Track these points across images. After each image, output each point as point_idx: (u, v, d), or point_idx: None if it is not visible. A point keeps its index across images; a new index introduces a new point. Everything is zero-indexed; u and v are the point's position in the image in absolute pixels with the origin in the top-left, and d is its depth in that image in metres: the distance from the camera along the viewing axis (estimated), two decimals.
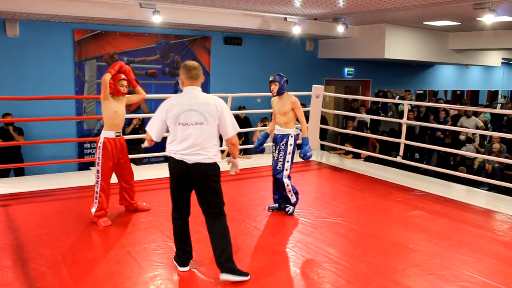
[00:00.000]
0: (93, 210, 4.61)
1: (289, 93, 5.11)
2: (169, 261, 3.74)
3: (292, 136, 4.96)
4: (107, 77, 4.51)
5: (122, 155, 4.73)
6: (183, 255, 3.62)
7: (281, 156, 4.93)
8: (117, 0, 7.39)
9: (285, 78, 5.04)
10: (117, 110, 4.61)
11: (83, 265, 3.65)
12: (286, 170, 4.93)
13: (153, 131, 3.54)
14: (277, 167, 4.93)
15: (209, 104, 3.45)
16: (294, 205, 5.03)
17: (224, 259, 3.41)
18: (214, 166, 3.48)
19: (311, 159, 7.53)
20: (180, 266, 3.61)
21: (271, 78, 5.01)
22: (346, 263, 3.83)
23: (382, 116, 12.47)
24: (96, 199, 4.60)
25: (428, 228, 4.72)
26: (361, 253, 4.05)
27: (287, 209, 5.01)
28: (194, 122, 3.41)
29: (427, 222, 4.92)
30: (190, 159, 3.40)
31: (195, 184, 3.48)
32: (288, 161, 4.93)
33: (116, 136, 4.64)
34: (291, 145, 4.94)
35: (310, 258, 3.93)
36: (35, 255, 3.81)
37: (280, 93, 5.01)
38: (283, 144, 4.95)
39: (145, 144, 3.71)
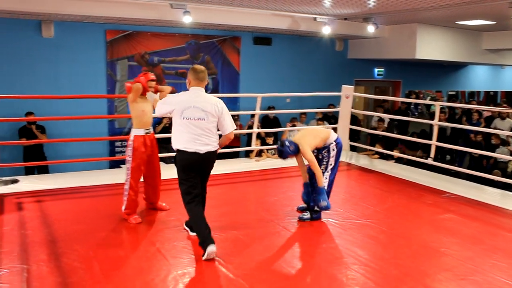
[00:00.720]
0: (123, 207, 4.70)
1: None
2: (199, 259, 3.77)
3: (332, 143, 4.81)
4: (140, 86, 4.59)
5: (152, 152, 4.80)
6: (207, 238, 3.78)
7: (324, 163, 4.78)
8: (148, 1, 7.50)
9: (286, 146, 4.68)
10: (144, 109, 4.69)
11: (114, 261, 3.72)
12: (326, 178, 4.79)
13: (158, 110, 4.17)
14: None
15: (211, 104, 3.96)
16: (315, 215, 4.81)
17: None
18: (216, 152, 4.06)
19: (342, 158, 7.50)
20: (210, 245, 3.74)
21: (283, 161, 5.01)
22: (375, 265, 3.79)
23: (414, 116, 12.28)
24: (125, 196, 4.68)
25: (460, 232, 4.63)
26: (391, 255, 4.00)
27: (303, 215, 4.86)
28: (196, 117, 3.90)
29: (459, 225, 4.83)
30: (202, 149, 3.90)
31: (205, 170, 4.06)
32: (331, 164, 4.79)
33: (146, 133, 4.70)
34: (333, 149, 4.80)
35: (338, 259, 3.90)
36: (68, 250, 3.90)
37: (296, 153, 4.78)
38: (325, 152, 4.80)
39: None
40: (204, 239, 3.78)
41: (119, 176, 6.21)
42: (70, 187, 5.82)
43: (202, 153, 3.90)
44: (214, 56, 9.96)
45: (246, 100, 9.87)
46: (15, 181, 5.97)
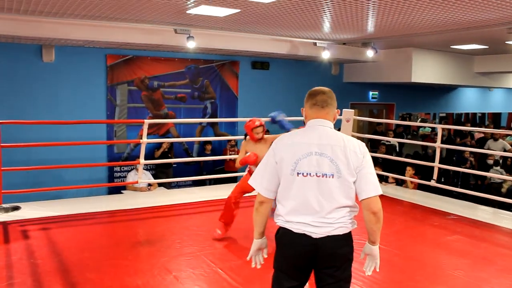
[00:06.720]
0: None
1: None
2: (215, 285, 3.72)
3: None
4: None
5: None
6: None
7: None
8: (152, 26, 7.53)
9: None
10: (258, 154, 4.77)
11: None
12: None
13: (258, 184, 2.49)
14: None
15: (345, 149, 2.40)
16: None
17: None
18: (346, 238, 2.49)
19: None
20: None
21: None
22: None
23: (408, 139, 12.40)
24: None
25: (470, 253, 4.66)
26: (407, 278, 4.00)
27: None
28: (320, 172, 2.38)
29: (469, 247, 4.87)
30: (317, 231, 2.40)
31: (319, 265, 2.46)
32: None
33: None
34: None
35: (353, 282, 3.88)
36: (83, 279, 3.82)
37: None
38: None
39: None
40: None
41: (120, 202, 6.19)
42: (73, 213, 5.72)
43: (317, 238, 2.41)
44: (213, 81, 10.01)
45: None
46: (17, 208, 5.88)
